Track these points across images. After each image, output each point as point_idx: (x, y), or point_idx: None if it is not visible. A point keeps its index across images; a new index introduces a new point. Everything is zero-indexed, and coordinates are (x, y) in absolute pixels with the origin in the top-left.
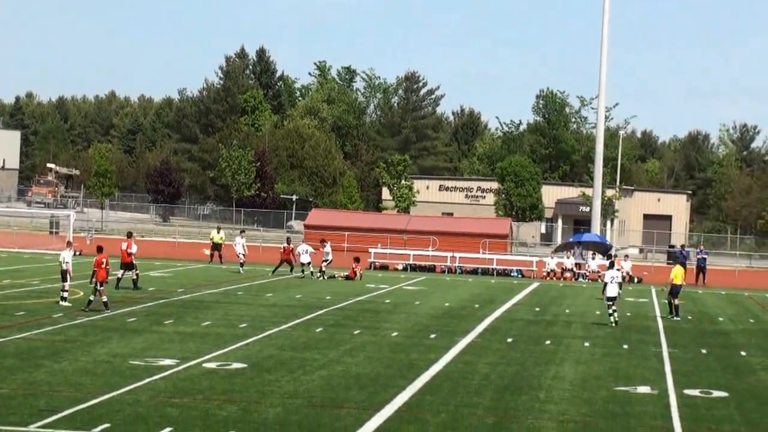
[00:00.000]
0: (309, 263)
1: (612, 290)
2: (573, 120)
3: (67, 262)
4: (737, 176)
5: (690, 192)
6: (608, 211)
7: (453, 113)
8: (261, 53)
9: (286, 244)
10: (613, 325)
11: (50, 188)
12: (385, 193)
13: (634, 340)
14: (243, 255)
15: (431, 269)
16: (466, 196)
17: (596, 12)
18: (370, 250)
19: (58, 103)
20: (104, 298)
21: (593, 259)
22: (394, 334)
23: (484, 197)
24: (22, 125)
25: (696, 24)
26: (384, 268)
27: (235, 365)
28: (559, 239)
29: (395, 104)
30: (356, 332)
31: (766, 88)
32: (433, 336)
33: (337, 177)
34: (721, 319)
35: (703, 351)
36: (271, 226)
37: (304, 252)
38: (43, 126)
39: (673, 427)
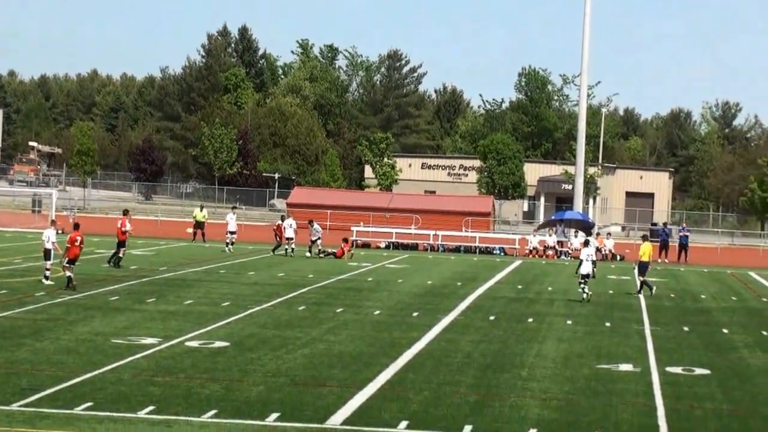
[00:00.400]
0: (292, 239)
1: (586, 268)
2: (555, 98)
3: (51, 241)
4: (719, 154)
5: (672, 170)
6: (590, 188)
7: (435, 91)
8: (243, 31)
9: (280, 222)
10: (587, 300)
11: (32, 167)
12: (368, 171)
13: (617, 317)
14: (233, 233)
15: (414, 247)
16: (449, 174)
17: None
18: (353, 228)
19: (41, 82)
20: (68, 274)
21: (576, 236)
22: (377, 312)
23: (467, 175)
24: (4, 104)
25: (679, 2)
26: (366, 246)
27: (218, 344)
28: (541, 217)
29: (378, 82)
30: (339, 310)
31: (748, 66)
32: (415, 314)
33: (319, 155)
34: (703, 296)
35: (685, 329)
36: (253, 204)
37: (289, 226)
38: (25, 104)
39: (655, 404)
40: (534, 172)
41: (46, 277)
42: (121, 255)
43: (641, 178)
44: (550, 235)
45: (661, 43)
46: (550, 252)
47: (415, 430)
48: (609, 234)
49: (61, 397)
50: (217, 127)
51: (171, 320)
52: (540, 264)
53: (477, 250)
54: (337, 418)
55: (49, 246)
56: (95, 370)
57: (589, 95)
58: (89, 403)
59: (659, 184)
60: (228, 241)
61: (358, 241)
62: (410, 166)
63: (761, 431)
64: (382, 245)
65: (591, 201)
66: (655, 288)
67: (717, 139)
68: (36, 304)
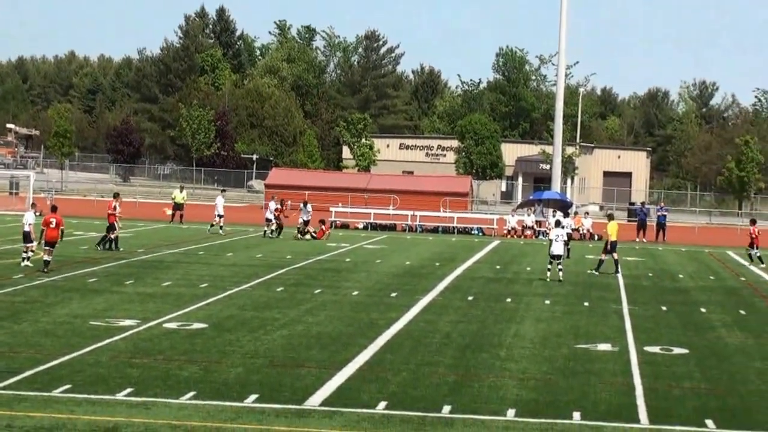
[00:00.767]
0: (272, 221)
1: (557, 248)
2: (533, 78)
3: (30, 224)
4: (697, 133)
5: (650, 149)
6: (568, 168)
7: (413, 72)
8: (221, 12)
9: (279, 206)
10: (554, 281)
11: (10, 149)
12: (346, 152)
13: (595, 297)
14: (221, 216)
15: (392, 228)
16: (427, 154)
17: None
18: (331, 209)
19: (17, 64)
20: (46, 258)
21: (554, 216)
22: (355, 293)
23: (445, 155)
24: None
25: None
26: (345, 227)
27: (196, 325)
28: (519, 197)
29: (355, 63)
30: (317, 291)
31: (725, 45)
32: (394, 295)
33: (297, 136)
34: (681, 276)
35: (663, 308)
36: (231, 185)
37: (269, 209)
38: (2, 86)
39: (634, 384)
40: (512, 152)
41: (26, 259)
42: (112, 237)
43: (619, 157)
44: (529, 215)
45: (639, 23)
46: (528, 232)
47: (393, 411)
48: (587, 213)
49: (39, 380)
50: (195, 109)
51: (149, 302)
52: (518, 244)
53: (455, 231)
54: (315, 399)
55: (27, 229)
56: (73, 353)
57: (567, 75)
58: (67, 386)
59: (637, 163)
60: (217, 223)
61: (337, 222)
62: (388, 146)
63: (739, 409)
64: (360, 226)
65: (569, 180)
66: (611, 269)
67: (694, 119)
68: (14, 287)
